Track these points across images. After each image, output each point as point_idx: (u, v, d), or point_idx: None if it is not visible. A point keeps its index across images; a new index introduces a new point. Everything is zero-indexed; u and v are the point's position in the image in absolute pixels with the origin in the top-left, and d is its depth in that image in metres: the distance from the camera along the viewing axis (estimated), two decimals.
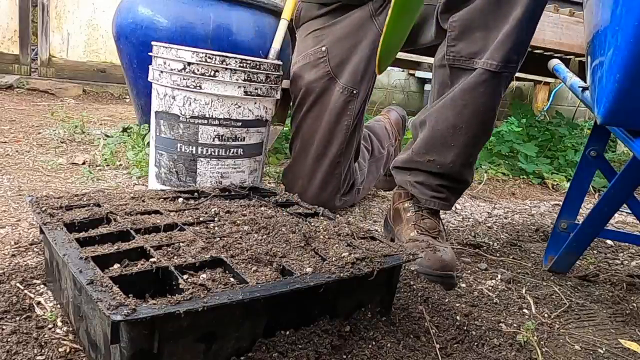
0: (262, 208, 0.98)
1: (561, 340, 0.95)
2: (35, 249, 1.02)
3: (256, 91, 1.27)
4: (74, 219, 0.81)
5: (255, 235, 0.83)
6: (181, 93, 1.23)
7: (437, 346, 0.83)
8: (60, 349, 0.71)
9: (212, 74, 1.21)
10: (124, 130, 2.20)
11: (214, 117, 1.24)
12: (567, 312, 1.07)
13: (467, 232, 1.53)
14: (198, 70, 1.21)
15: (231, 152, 1.29)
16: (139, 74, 1.86)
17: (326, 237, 0.85)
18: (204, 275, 0.67)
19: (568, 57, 2.26)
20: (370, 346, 0.77)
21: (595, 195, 2.31)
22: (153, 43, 1.29)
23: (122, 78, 2.36)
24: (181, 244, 0.76)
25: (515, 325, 0.97)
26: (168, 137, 1.28)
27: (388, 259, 0.80)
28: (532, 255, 1.42)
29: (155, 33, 1.75)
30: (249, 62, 1.24)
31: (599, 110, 0.81)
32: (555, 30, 1.97)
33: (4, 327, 0.73)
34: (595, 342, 0.96)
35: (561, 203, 1.28)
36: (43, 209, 0.83)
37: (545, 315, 1.05)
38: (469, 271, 1.22)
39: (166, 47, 1.24)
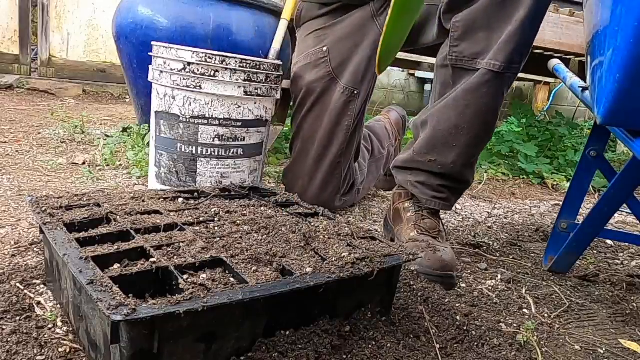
0: (262, 208, 0.98)
1: (561, 340, 0.95)
2: (35, 249, 1.02)
3: (256, 91, 1.27)
4: (74, 219, 0.81)
5: (255, 235, 0.83)
6: (181, 93, 1.23)
7: (437, 346, 0.83)
8: (60, 349, 0.71)
9: (212, 74, 1.21)
10: (124, 130, 2.20)
11: (214, 117, 1.24)
12: (567, 312, 1.08)
13: (467, 232, 1.53)
14: (198, 70, 1.21)
15: (231, 152, 1.29)
16: (139, 74, 1.86)
17: (326, 237, 0.85)
18: (204, 275, 0.67)
19: (568, 57, 2.25)
20: (370, 346, 0.77)
21: (595, 195, 2.31)
22: (153, 43, 1.29)
23: (122, 78, 2.36)
24: (181, 244, 0.76)
25: (515, 325, 0.97)
26: (168, 137, 1.28)
27: (388, 259, 0.80)
28: (532, 255, 1.42)
29: (155, 33, 1.75)
30: (249, 62, 1.24)
31: (599, 110, 0.81)
32: (555, 30, 1.97)
33: (4, 327, 0.73)
34: (595, 342, 0.96)
35: (561, 203, 1.28)
36: (43, 209, 0.83)
37: (545, 315, 1.05)
38: (469, 271, 1.22)
39: (166, 47, 1.24)
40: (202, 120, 1.24)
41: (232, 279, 0.68)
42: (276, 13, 1.84)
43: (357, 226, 0.92)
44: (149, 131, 1.80)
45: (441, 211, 1.28)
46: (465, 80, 1.12)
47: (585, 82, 1.08)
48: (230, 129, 1.27)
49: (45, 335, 0.73)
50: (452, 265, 1.08)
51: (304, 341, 0.72)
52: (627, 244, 1.59)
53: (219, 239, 0.79)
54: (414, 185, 1.22)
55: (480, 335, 0.90)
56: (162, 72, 1.25)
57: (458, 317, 0.94)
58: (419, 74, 4.61)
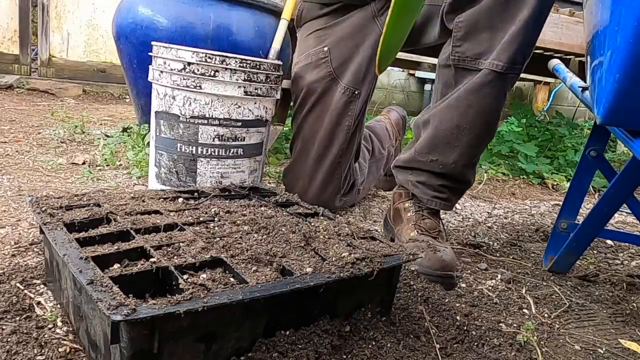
0: (262, 208, 0.98)
1: (561, 340, 0.95)
2: (35, 249, 1.02)
3: (256, 91, 1.27)
4: (74, 219, 0.81)
5: (255, 235, 0.83)
6: (181, 93, 1.24)
7: (437, 346, 0.83)
8: (60, 349, 0.71)
9: (212, 74, 1.21)
10: (124, 130, 2.20)
11: (214, 117, 1.24)
12: (567, 312, 1.08)
13: (467, 232, 1.53)
14: (198, 70, 1.21)
15: (231, 152, 1.29)
16: (139, 74, 1.86)
17: (326, 237, 0.85)
18: (204, 275, 0.67)
19: (568, 57, 2.25)
20: (370, 346, 0.77)
21: (595, 195, 2.31)
22: (153, 43, 1.29)
23: (122, 78, 2.36)
24: (181, 244, 0.76)
25: (515, 325, 0.97)
26: (168, 137, 1.28)
27: (388, 259, 0.80)
28: (532, 255, 1.42)
29: (155, 33, 1.75)
30: (249, 62, 1.24)
31: (599, 110, 0.81)
32: (555, 30, 1.97)
33: (4, 327, 0.73)
34: (595, 342, 0.96)
35: (561, 203, 1.28)
36: (43, 209, 0.83)
37: (545, 315, 1.05)
38: (469, 271, 1.22)
39: (166, 47, 1.24)
40: (202, 120, 1.24)
41: (232, 279, 0.68)
42: (276, 13, 1.84)
43: (357, 226, 0.92)
44: (149, 131, 1.80)
45: (441, 211, 1.28)
46: (467, 80, 1.12)
47: (585, 82, 1.08)
48: (230, 129, 1.27)
49: (45, 335, 0.73)
50: (452, 266, 1.08)
51: (304, 341, 0.72)
52: (627, 244, 1.59)
53: (219, 239, 0.79)
54: (414, 185, 1.22)
55: (480, 335, 0.90)
56: (162, 72, 1.25)
57: (458, 317, 0.94)
58: (419, 74, 4.61)
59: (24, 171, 1.58)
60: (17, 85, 3.50)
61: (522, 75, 1.17)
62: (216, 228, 0.84)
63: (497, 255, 1.37)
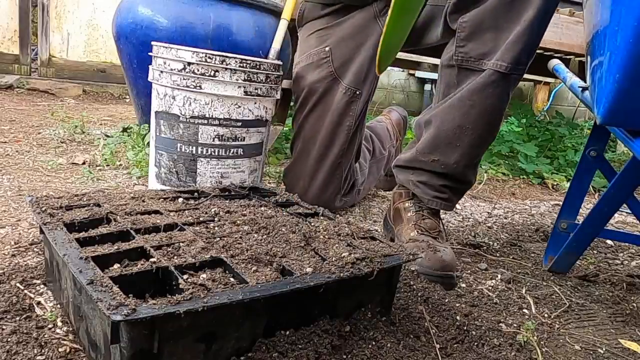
0: (262, 208, 0.98)
1: (561, 340, 0.95)
2: (35, 249, 1.02)
3: (256, 91, 1.27)
4: (74, 219, 0.81)
5: (255, 235, 0.83)
6: (181, 93, 1.23)
7: (437, 346, 0.83)
8: (60, 349, 0.71)
9: (212, 74, 1.21)
10: (124, 130, 2.20)
11: (214, 117, 1.24)
12: (567, 312, 1.08)
13: (467, 232, 1.53)
14: (198, 70, 1.21)
15: (231, 152, 1.29)
16: (139, 74, 1.86)
17: (326, 237, 0.85)
18: (204, 275, 0.67)
19: (568, 57, 2.25)
20: (370, 346, 0.77)
21: (595, 195, 2.31)
22: (153, 43, 1.29)
23: (122, 78, 2.36)
24: (181, 244, 0.76)
25: (515, 325, 0.97)
26: (168, 137, 1.28)
27: (388, 259, 0.80)
28: (532, 255, 1.42)
29: (155, 33, 1.75)
30: (249, 62, 1.24)
31: (599, 110, 0.81)
32: (555, 30, 1.97)
33: (4, 327, 0.73)
34: (595, 342, 0.96)
35: (561, 203, 1.28)
36: (43, 209, 0.83)
37: (545, 315, 1.05)
38: (469, 271, 1.22)
39: (166, 47, 1.24)
40: (202, 120, 1.24)
41: (232, 279, 0.68)
42: (276, 13, 1.84)
43: (357, 226, 0.92)
44: (149, 131, 1.80)
45: (441, 211, 1.28)
46: (470, 80, 1.12)
47: (585, 82, 1.08)
48: (230, 129, 1.27)
49: (45, 335, 0.73)
50: (452, 266, 1.08)
51: (304, 341, 0.72)
52: (627, 244, 1.59)
53: (219, 239, 0.79)
54: (415, 185, 1.22)
55: (480, 335, 0.90)
56: (162, 72, 1.25)
57: (458, 317, 0.94)
58: (419, 74, 4.61)
59: (24, 171, 1.58)
60: (17, 85, 3.50)
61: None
62: (216, 228, 0.84)
63: (497, 255, 1.37)
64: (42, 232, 0.83)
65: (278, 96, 1.37)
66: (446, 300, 1.02)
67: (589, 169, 1.23)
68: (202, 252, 0.73)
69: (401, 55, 2.75)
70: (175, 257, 0.72)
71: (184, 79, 1.22)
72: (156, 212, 0.89)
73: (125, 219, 0.83)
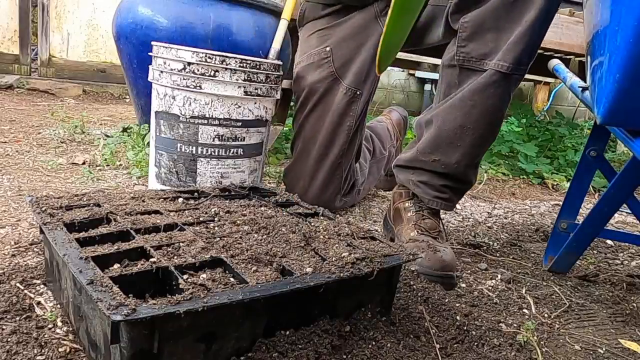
0: (262, 208, 0.98)
1: (561, 340, 0.95)
2: (35, 249, 1.02)
3: (256, 91, 1.27)
4: (74, 219, 0.81)
5: (255, 235, 0.83)
6: (181, 93, 1.23)
7: (437, 346, 0.83)
8: (60, 349, 0.71)
9: (212, 74, 1.21)
10: (124, 130, 2.20)
11: (214, 117, 1.24)
12: (567, 312, 1.08)
13: (467, 232, 1.53)
14: (198, 70, 1.21)
15: (231, 152, 1.29)
16: (139, 74, 1.86)
17: (326, 237, 0.85)
18: (204, 275, 0.67)
19: (568, 57, 2.25)
20: (370, 346, 0.77)
21: (595, 195, 2.31)
22: (153, 43, 1.29)
23: (122, 78, 2.36)
24: (181, 244, 0.76)
25: (515, 325, 0.97)
26: (168, 137, 1.28)
27: (388, 259, 0.80)
28: (532, 255, 1.42)
29: (155, 33, 1.75)
30: (249, 62, 1.24)
31: (599, 110, 0.81)
32: (555, 30, 1.97)
33: (4, 327, 0.73)
34: (595, 342, 0.96)
35: (561, 203, 1.28)
36: (43, 209, 0.83)
37: (545, 315, 1.05)
38: (469, 271, 1.22)
39: (166, 47, 1.24)
40: (202, 120, 1.24)
41: (232, 279, 0.68)
42: (276, 13, 1.84)
43: (357, 226, 0.92)
44: (149, 131, 1.80)
45: (441, 211, 1.28)
46: (472, 80, 1.12)
47: (585, 82, 1.08)
48: (230, 129, 1.27)
49: (45, 335, 0.73)
50: (452, 266, 1.08)
51: (304, 341, 0.72)
52: (627, 244, 1.59)
53: (219, 239, 0.79)
54: (416, 185, 1.22)
55: (480, 335, 0.90)
56: (162, 72, 1.25)
57: (458, 317, 0.94)
58: (419, 74, 4.61)
59: (24, 171, 1.58)
60: (17, 85, 3.50)
61: None
62: (216, 228, 0.84)
63: (497, 255, 1.37)
64: (42, 232, 0.83)
65: (278, 96, 1.36)
66: (446, 300, 1.02)
67: (589, 169, 1.23)
68: (202, 252, 0.73)
69: (401, 55, 2.75)
70: (175, 257, 0.72)
71: (184, 79, 1.22)
72: (156, 212, 0.89)
73: (125, 219, 0.83)
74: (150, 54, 1.29)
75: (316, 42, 1.41)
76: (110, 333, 0.57)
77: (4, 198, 1.31)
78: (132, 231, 0.78)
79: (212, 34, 1.76)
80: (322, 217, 0.99)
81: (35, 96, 3.39)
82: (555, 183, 2.45)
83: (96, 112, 3.00)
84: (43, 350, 0.70)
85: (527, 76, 1.17)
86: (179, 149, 1.27)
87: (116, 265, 0.70)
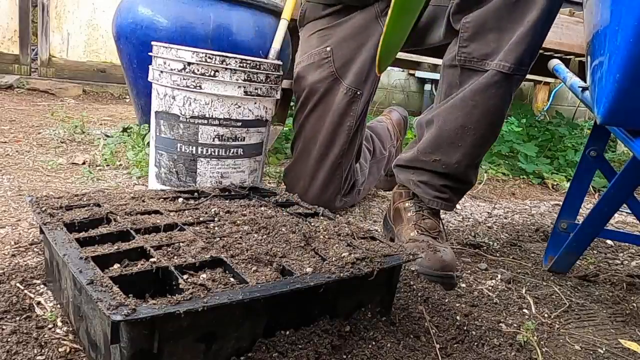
0: (262, 208, 0.98)
1: (561, 340, 0.95)
2: (35, 249, 1.02)
3: (256, 91, 1.27)
4: (74, 219, 0.81)
5: (255, 235, 0.83)
6: (181, 93, 1.23)
7: (437, 346, 0.83)
8: (60, 349, 0.71)
9: (212, 74, 1.21)
10: (124, 130, 2.20)
11: (214, 117, 1.24)
12: (567, 312, 1.08)
13: (467, 232, 1.53)
14: (198, 70, 1.21)
15: (231, 152, 1.29)
16: (139, 74, 1.86)
17: (326, 237, 0.85)
18: (204, 275, 0.67)
19: (568, 57, 2.25)
20: (370, 346, 0.77)
21: (595, 195, 2.31)
22: (153, 43, 1.29)
23: (122, 78, 2.36)
24: (181, 244, 0.76)
25: (515, 325, 0.97)
26: (168, 137, 1.28)
27: (388, 259, 0.80)
28: (532, 255, 1.42)
29: (155, 33, 1.75)
30: (249, 62, 1.24)
31: (599, 110, 0.81)
32: (555, 30, 1.97)
33: (4, 327, 0.73)
34: (595, 342, 0.96)
35: (561, 203, 1.28)
36: (43, 209, 0.83)
37: (545, 315, 1.05)
38: (469, 271, 1.22)
39: (166, 47, 1.24)
40: (202, 120, 1.24)
41: (232, 279, 0.68)
42: (276, 13, 1.84)
43: (357, 226, 0.92)
44: (149, 131, 1.80)
45: (441, 211, 1.28)
46: (473, 80, 1.12)
47: (585, 82, 1.08)
48: (230, 129, 1.27)
49: (45, 335, 0.73)
50: (452, 266, 1.08)
51: (304, 341, 0.72)
52: (627, 244, 1.59)
53: (219, 239, 0.79)
54: (416, 185, 1.22)
55: (480, 335, 0.90)
56: (162, 72, 1.25)
57: (458, 317, 0.94)
58: (419, 74, 4.61)
59: (24, 171, 1.58)
60: (17, 85, 3.50)
61: None
62: (216, 228, 0.84)
63: (497, 255, 1.37)
64: (42, 232, 0.83)
65: (278, 96, 1.36)
66: (446, 300, 1.02)
67: (589, 169, 1.23)
68: (202, 252, 0.73)
69: (401, 55, 2.75)
70: (175, 257, 0.72)
71: (184, 79, 1.22)
72: (156, 212, 0.89)
73: (125, 219, 0.83)
74: (150, 54, 1.29)
75: (317, 42, 1.41)
76: (110, 333, 0.57)
77: (4, 198, 1.31)
78: (132, 231, 0.78)
79: (212, 34, 1.76)
80: (322, 217, 0.99)
81: (35, 96, 3.39)
82: (555, 183, 2.45)
83: (96, 112, 3.00)
84: (43, 350, 0.70)
85: (527, 76, 1.17)
86: (179, 149, 1.27)
87: (116, 265, 0.70)
